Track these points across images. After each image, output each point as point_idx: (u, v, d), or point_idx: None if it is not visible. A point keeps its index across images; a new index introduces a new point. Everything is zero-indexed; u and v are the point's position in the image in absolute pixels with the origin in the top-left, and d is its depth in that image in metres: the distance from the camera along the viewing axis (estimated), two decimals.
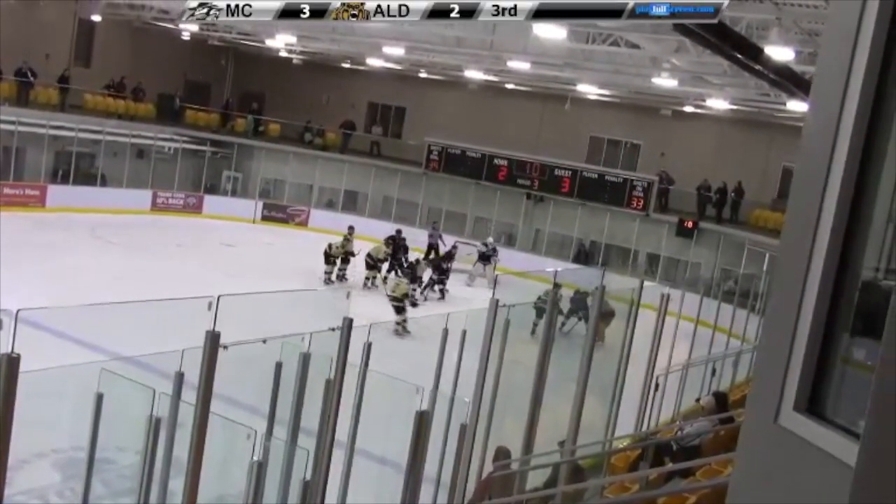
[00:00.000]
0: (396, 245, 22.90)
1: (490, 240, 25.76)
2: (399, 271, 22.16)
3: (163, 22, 26.96)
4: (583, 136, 29.89)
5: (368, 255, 21.56)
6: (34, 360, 4.45)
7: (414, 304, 19.10)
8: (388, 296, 18.49)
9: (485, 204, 29.05)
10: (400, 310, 17.94)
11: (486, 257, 24.71)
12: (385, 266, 22.13)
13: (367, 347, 6.67)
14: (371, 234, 24.78)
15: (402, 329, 17.58)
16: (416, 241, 25.43)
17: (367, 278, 21.47)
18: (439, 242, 25.83)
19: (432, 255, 24.78)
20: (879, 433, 1.39)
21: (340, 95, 33.23)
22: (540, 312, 15.15)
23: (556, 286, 15.42)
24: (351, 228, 22.75)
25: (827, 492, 1.65)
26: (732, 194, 26.59)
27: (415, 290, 20.73)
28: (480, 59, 23.73)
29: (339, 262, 21.86)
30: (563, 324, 13.83)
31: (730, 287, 18.94)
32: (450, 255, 23.30)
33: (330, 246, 21.92)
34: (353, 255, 21.85)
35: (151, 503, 5.82)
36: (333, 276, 21.72)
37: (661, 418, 11.27)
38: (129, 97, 29.17)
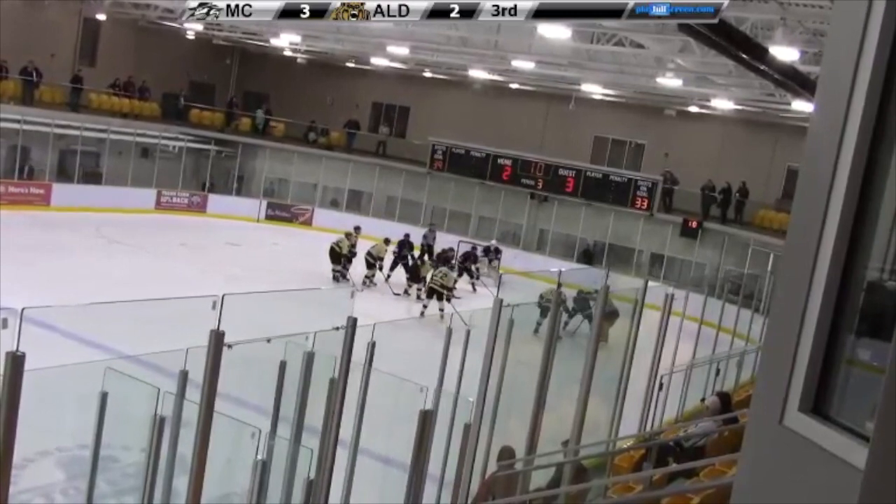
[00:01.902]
0: (402, 244, 23.10)
1: (494, 242, 25.82)
2: (406, 269, 22.49)
3: (167, 21, 27.00)
4: (587, 135, 29.88)
5: (368, 253, 21.70)
6: (39, 359, 4.46)
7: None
8: (433, 281, 19.83)
9: (489, 204, 29.05)
10: (443, 297, 19.35)
11: (488, 258, 24.80)
12: (387, 264, 22.27)
13: (371, 346, 6.67)
14: (375, 233, 24.80)
15: (441, 315, 18.71)
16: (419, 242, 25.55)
17: (366, 276, 21.58)
18: (433, 245, 25.88)
19: (425, 256, 24.89)
20: (889, 434, 1.39)
21: (345, 95, 33.25)
22: (544, 311, 15.19)
23: (559, 285, 15.49)
24: (357, 228, 22.81)
25: (832, 493, 1.64)
26: (737, 194, 26.55)
27: (419, 289, 20.87)
28: (485, 58, 23.73)
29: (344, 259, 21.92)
30: (566, 323, 13.84)
31: (732, 285, 18.91)
32: (447, 258, 23.33)
33: (339, 245, 21.87)
34: (354, 254, 21.95)
35: (156, 502, 5.82)
36: (343, 275, 21.77)
37: (664, 418, 11.26)
38: (134, 96, 29.22)
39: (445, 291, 19.56)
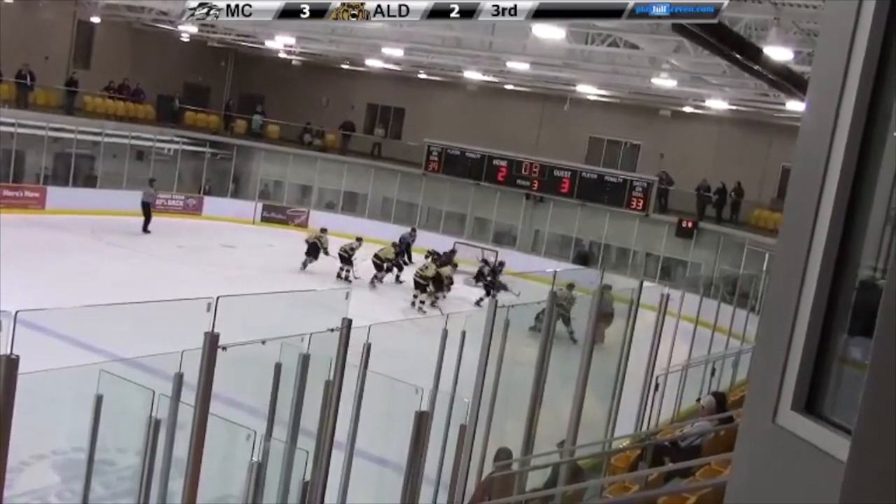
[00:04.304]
0: (401, 245, 23.67)
1: (492, 259, 25.57)
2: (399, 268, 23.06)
3: (162, 23, 26.97)
4: (582, 136, 29.90)
5: (376, 255, 22.21)
6: (33, 362, 4.45)
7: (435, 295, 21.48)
8: (418, 274, 20.90)
9: (484, 205, 29.06)
10: (424, 288, 20.65)
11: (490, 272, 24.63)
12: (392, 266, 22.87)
13: (367, 348, 6.67)
14: (371, 235, 24.88)
15: (418, 305, 20.46)
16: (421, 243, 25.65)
17: (375, 277, 22.06)
18: (412, 243, 26.06)
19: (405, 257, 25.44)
20: (871, 431, 1.39)
21: (340, 97, 33.25)
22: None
23: (571, 286, 15.44)
24: (359, 240, 23.04)
25: (825, 491, 1.65)
26: (732, 194, 26.60)
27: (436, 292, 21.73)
28: (480, 59, 23.74)
29: (318, 255, 22.72)
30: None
31: (727, 285, 18.94)
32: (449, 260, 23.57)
33: (319, 240, 22.98)
34: (351, 253, 22.45)
35: None
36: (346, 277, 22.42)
37: (660, 418, 11.28)
38: (129, 99, 29.18)
39: (424, 282, 20.79)
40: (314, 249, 22.85)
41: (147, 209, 25.65)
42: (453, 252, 24.53)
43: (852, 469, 1.42)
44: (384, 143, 32.56)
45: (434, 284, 21.02)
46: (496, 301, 8.17)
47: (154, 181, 27.05)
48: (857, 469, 1.41)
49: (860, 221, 1.73)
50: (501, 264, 24.49)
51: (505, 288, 22.85)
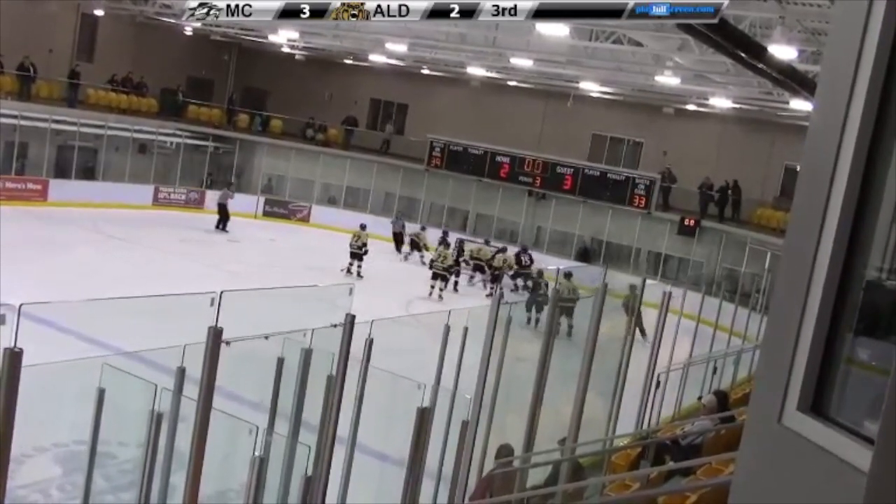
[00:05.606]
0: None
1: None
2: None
3: (165, 17, 26.95)
4: (585, 133, 29.86)
5: (437, 266, 22.24)
6: (37, 355, 4.45)
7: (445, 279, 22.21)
8: (434, 266, 21.69)
9: (487, 201, 29.05)
10: (444, 278, 21.46)
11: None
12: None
13: (369, 343, 6.67)
14: (372, 231, 24.90)
15: (439, 296, 20.99)
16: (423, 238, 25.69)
17: (439, 288, 21.88)
18: (402, 232, 26.82)
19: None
20: (894, 436, 1.39)
21: (343, 92, 33.20)
22: (529, 306, 15.18)
23: (568, 275, 15.21)
24: (363, 226, 23.25)
25: (831, 492, 1.65)
26: (729, 192, 26.58)
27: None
28: (483, 55, 23.71)
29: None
30: (537, 320, 13.72)
31: (726, 280, 18.95)
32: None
33: (417, 236, 25.28)
34: (363, 248, 22.67)
35: (153, 498, 5.82)
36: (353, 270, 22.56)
37: (661, 416, 11.28)
38: (132, 92, 29.17)
39: (443, 272, 21.53)
40: (416, 245, 25.26)
41: (224, 210, 26.74)
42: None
43: (875, 479, 1.41)
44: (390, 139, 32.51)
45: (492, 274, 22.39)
46: (501, 296, 8.17)
47: (232, 184, 28.47)
48: (881, 479, 1.40)
49: (868, 221, 1.73)
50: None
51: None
